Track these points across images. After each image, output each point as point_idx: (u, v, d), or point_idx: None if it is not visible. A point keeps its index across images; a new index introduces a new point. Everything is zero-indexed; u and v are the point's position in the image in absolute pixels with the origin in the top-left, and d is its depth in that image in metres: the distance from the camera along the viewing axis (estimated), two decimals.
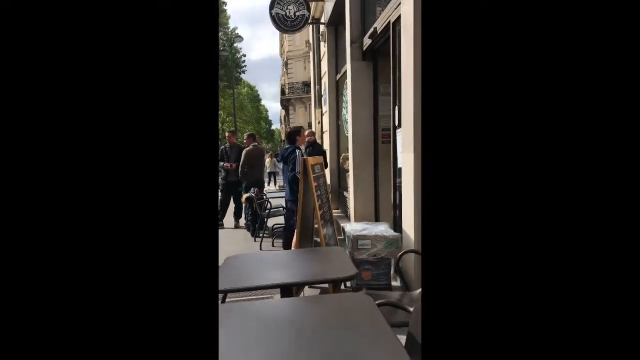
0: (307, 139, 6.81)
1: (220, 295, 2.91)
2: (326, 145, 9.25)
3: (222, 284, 2.30)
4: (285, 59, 38.12)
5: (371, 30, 5.50)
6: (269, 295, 4.09)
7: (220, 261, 3.11)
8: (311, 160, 4.44)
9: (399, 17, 4.19)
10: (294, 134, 5.60)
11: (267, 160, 17.85)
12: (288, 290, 2.51)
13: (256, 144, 7.73)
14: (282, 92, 36.88)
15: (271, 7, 9.30)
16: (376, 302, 1.97)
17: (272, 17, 9.25)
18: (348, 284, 4.11)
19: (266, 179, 17.38)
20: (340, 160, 8.48)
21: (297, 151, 5.24)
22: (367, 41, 5.94)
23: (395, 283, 3.95)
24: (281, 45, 43.15)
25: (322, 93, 9.60)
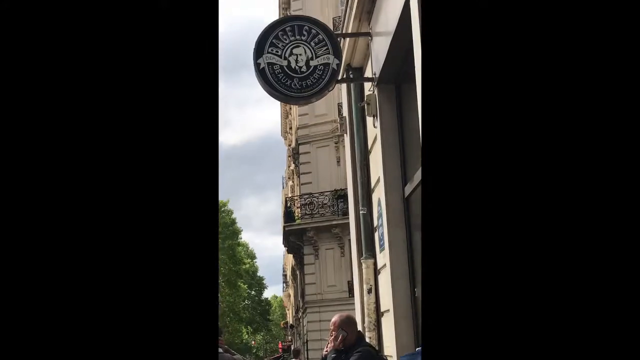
0: (338, 341, 4.14)
1: None
2: (388, 345, 5.30)
3: None
4: (292, 144, 25.16)
5: None
6: None
7: None
8: None
9: None
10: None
11: None
12: None
13: (221, 350, 5.23)
14: (288, 216, 21.24)
15: (258, 52, 5.19)
16: None
17: (261, 73, 5.17)
18: None
19: None
20: None
21: None
22: None
23: None
24: (284, 118, 29.74)
25: (377, 224, 5.71)
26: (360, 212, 5.95)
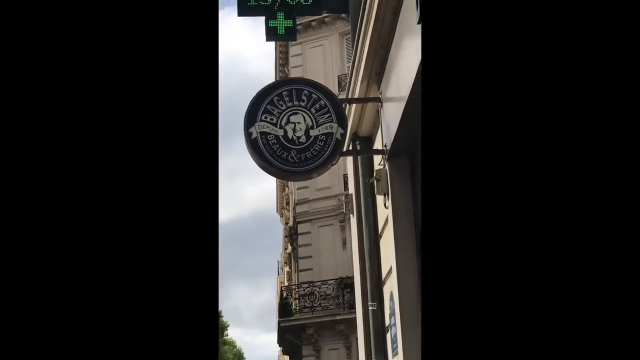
0: None
1: None
2: None
3: None
4: (289, 223, 24.78)
5: None
6: None
7: None
8: None
9: None
10: None
11: None
12: None
13: None
14: (284, 309, 20.46)
15: (250, 120, 5.37)
16: None
17: (253, 144, 5.35)
18: None
19: None
20: None
21: None
22: None
23: None
24: (280, 191, 29.41)
25: (389, 322, 5.86)
26: (369, 307, 5.98)
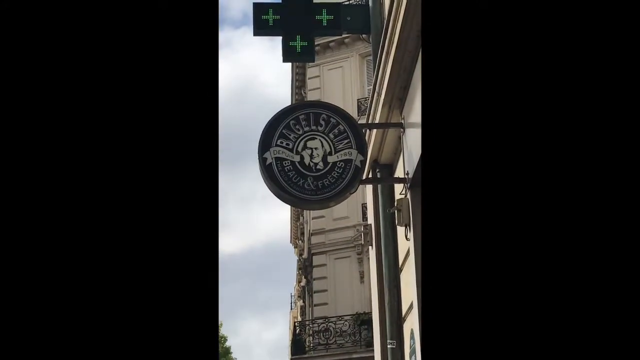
0: None
1: None
2: None
3: None
4: (304, 254, 24.50)
5: None
6: None
7: None
8: None
9: None
10: None
11: None
12: None
13: None
14: (297, 345, 19.98)
15: (264, 145, 5.38)
16: None
17: (268, 170, 5.32)
18: None
19: None
20: None
21: None
22: None
23: None
24: (295, 221, 29.19)
25: None
26: (389, 346, 5.93)
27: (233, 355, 39.05)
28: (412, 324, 5.44)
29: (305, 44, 6.17)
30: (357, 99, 18.91)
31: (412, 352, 5.46)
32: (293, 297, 33.67)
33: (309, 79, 21.78)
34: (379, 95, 5.67)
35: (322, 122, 5.25)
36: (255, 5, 6.18)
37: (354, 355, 18.25)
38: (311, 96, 20.14)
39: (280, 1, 6.31)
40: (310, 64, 19.17)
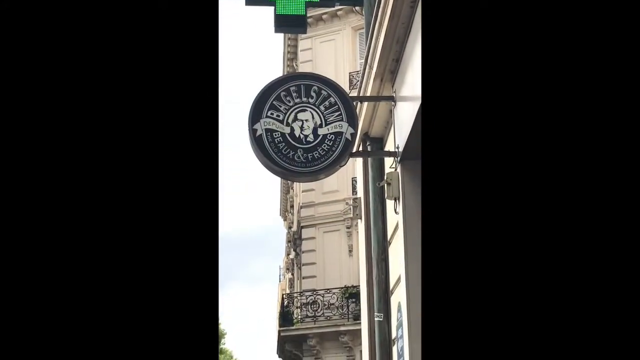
0: None
1: None
2: None
3: None
4: (293, 227, 25.36)
5: None
6: None
7: None
8: None
9: None
10: None
11: None
12: None
13: None
14: (285, 317, 20.62)
15: (255, 116, 5.35)
16: None
17: (258, 141, 5.32)
18: None
19: None
20: None
21: None
22: None
23: None
24: (284, 193, 29.55)
25: (396, 335, 5.93)
26: (376, 318, 6.02)
27: (221, 327, 39.44)
28: (399, 297, 5.51)
29: (297, 14, 6.17)
30: (349, 72, 19.00)
31: (399, 324, 5.52)
32: (281, 270, 33.91)
33: (301, 51, 21.71)
34: (371, 68, 5.68)
35: (313, 94, 5.25)
36: None
37: (341, 328, 18.59)
38: (303, 69, 20.15)
39: None
40: (302, 36, 19.16)
